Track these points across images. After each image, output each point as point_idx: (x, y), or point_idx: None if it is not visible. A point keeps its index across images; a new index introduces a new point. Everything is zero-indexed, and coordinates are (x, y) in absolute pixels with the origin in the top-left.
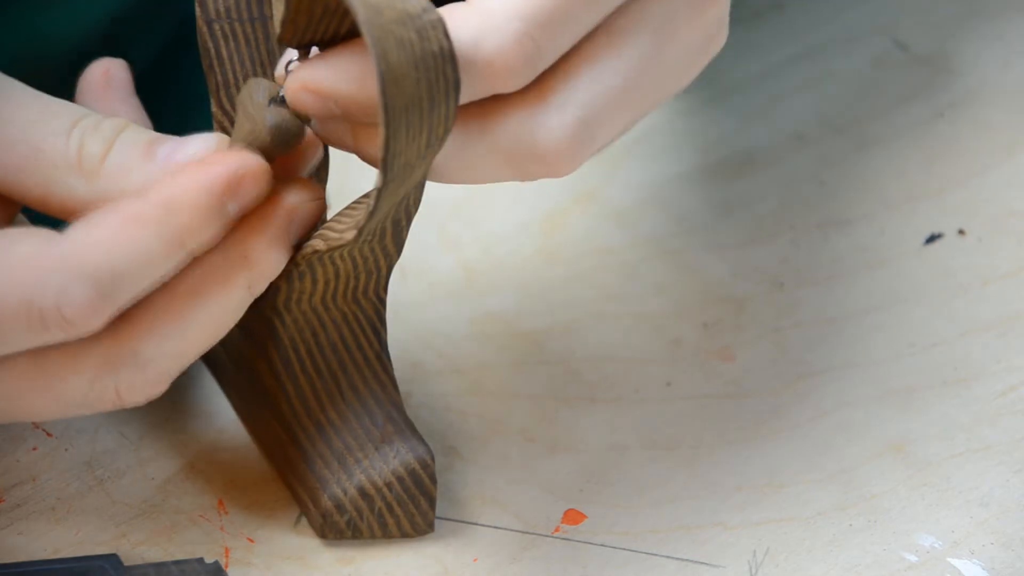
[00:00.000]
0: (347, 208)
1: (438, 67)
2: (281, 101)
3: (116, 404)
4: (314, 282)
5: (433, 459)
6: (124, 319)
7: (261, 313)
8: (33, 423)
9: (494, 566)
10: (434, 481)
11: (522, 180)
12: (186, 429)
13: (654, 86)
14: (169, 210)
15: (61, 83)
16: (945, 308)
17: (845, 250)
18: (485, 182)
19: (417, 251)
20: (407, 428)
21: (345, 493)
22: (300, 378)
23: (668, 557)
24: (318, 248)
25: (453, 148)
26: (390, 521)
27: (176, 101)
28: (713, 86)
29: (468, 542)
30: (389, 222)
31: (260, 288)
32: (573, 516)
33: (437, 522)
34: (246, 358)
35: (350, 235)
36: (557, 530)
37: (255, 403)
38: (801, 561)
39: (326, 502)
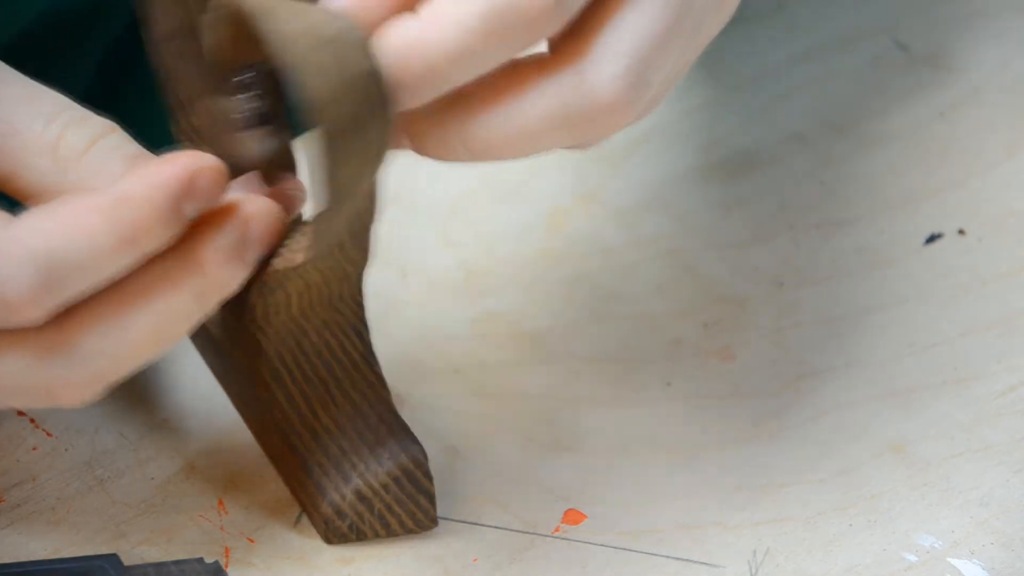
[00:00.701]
0: (305, 224)
1: (363, 88)
2: (248, 122)
3: (48, 400)
4: (287, 295)
5: (425, 456)
6: (67, 313)
7: (245, 329)
8: (33, 423)
9: (494, 566)
10: (429, 478)
11: (581, 144)
12: (186, 429)
13: (695, 21)
14: (123, 205)
15: None
16: (945, 308)
17: (845, 250)
18: (543, 152)
19: (417, 251)
20: (399, 428)
21: (344, 498)
22: (290, 387)
23: (668, 557)
24: (277, 267)
25: (503, 120)
26: (392, 521)
27: (136, 99)
28: (713, 86)
29: (468, 542)
30: (346, 235)
31: (212, 300)
32: (573, 516)
33: (438, 522)
34: (241, 371)
35: (299, 258)
36: (557, 530)
37: (256, 411)
38: (801, 561)
39: (326, 508)
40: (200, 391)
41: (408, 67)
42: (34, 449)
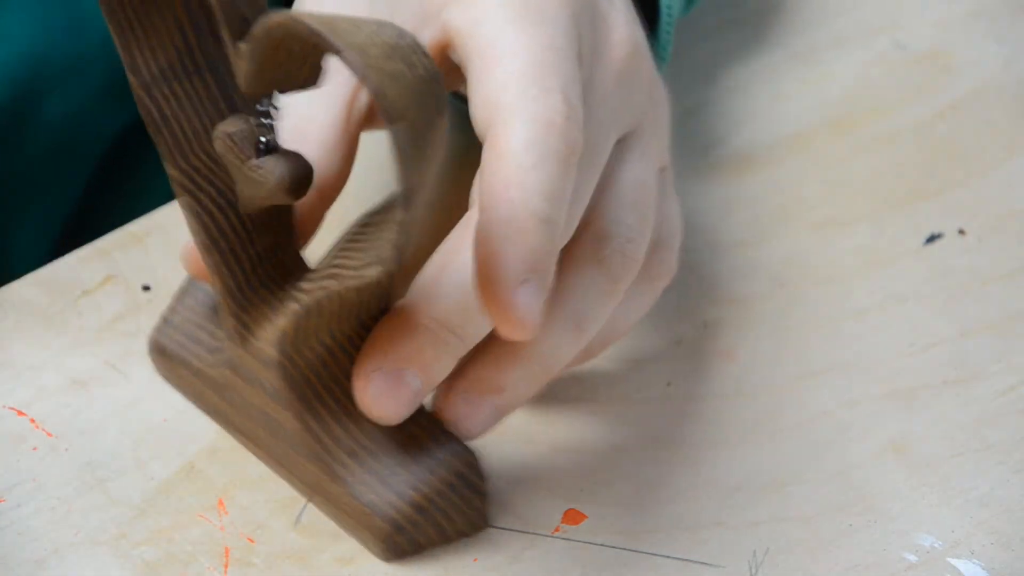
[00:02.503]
0: (350, 241)
1: (427, 89)
2: (268, 147)
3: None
4: (319, 316)
5: (476, 456)
6: None
7: (267, 362)
8: (33, 423)
9: (494, 566)
10: (482, 477)
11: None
12: (186, 429)
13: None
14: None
15: None
16: (945, 308)
17: (845, 250)
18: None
19: None
20: (440, 432)
21: (401, 513)
22: (321, 411)
23: (668, 557)
24: (330, 288)
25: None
26: (448, 527)
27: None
28: (713, 86)
29: (468, 542)
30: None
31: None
32: (573, 516)
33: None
34: (260, 410)
35: (373, 272)
36: (557, 530)
37: (283, 448)
38: (801, 561)
39: (383, 526)
40: None
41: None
42: (34, 449)
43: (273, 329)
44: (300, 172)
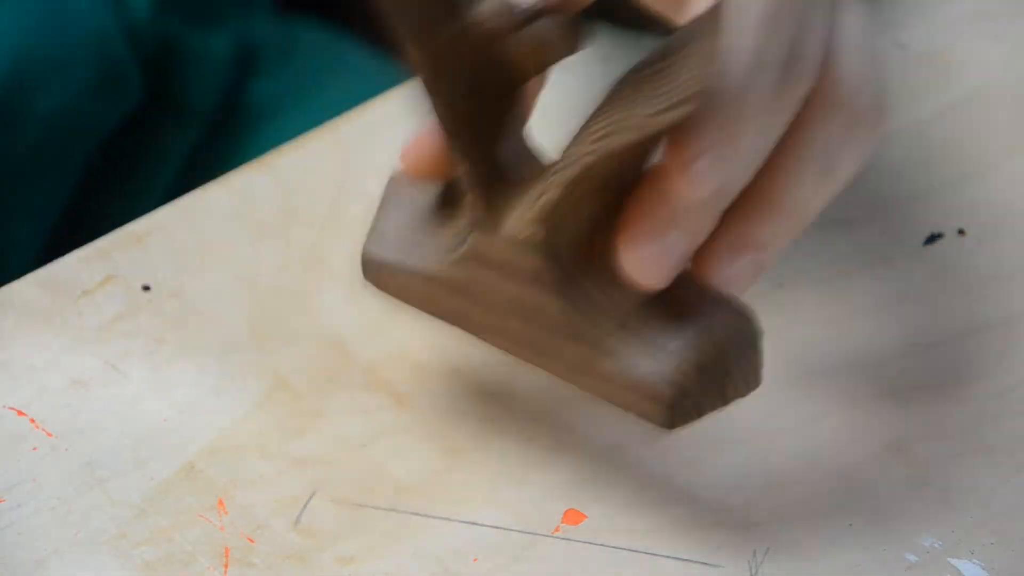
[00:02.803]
0: (610, 104)
1: None
2: (528, 13)
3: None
4: (589, 182)
5: (748, 312)
6: None
7: (527, 242)
8: (33, 423)
9: (494, 566)
10: (757, 332)
11: None
12: (186, 429)
13: None
14: None
15: None
16: (945, 308)
17: (845, 250)
18: None
19: None
20: (706, 291)
21: (684, 375)
22: (586, 286)
23: (668, 557)
24: (611, 145)
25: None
26: (728, 388)
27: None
28: None
29: (468, 542)
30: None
31: None
32: (573, 516)
33: (437, 522)
34: (513, 298)
35: (675, 114)
36: (557, 530)
37: (541, 337)
38: (801, 561)
39: (668, 392)
40: (200, 390)
41: None
42: (34, 449)
43: (534, 207)
44: (575, 22)
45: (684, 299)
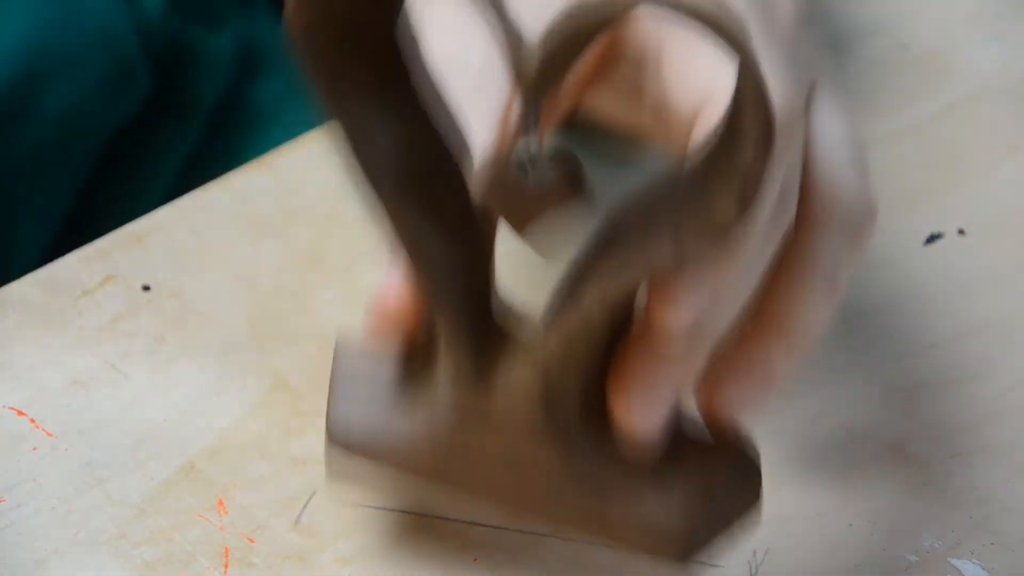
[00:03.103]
0: (607, 244)
1: None
2: (532, 159)
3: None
4: (587, 333)
5: (743, 432)
6: None
7: (525, 396)
8: (33, 423)
9: (494, 566)
10: (756, 452)
11: None
12: (186, 429)
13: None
14: None
15: None
16: (945, 308)
17: None
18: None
19: None
20: (699, 420)
21: (691, 513)
22: (587, 434)
23: None
24: (613, 292)
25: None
26: (733, 513)
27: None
28: None
29: (468, 542)
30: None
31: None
32: None
33: (438, 522)
34: (506, 453)
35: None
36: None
37: (537, 490)
38: (801, 561)
39: (680, 534)
40: (200, 390)
41: None
42: (34, 449)
43: (530, 360)
44: (577, 169)
45: (684, 433)
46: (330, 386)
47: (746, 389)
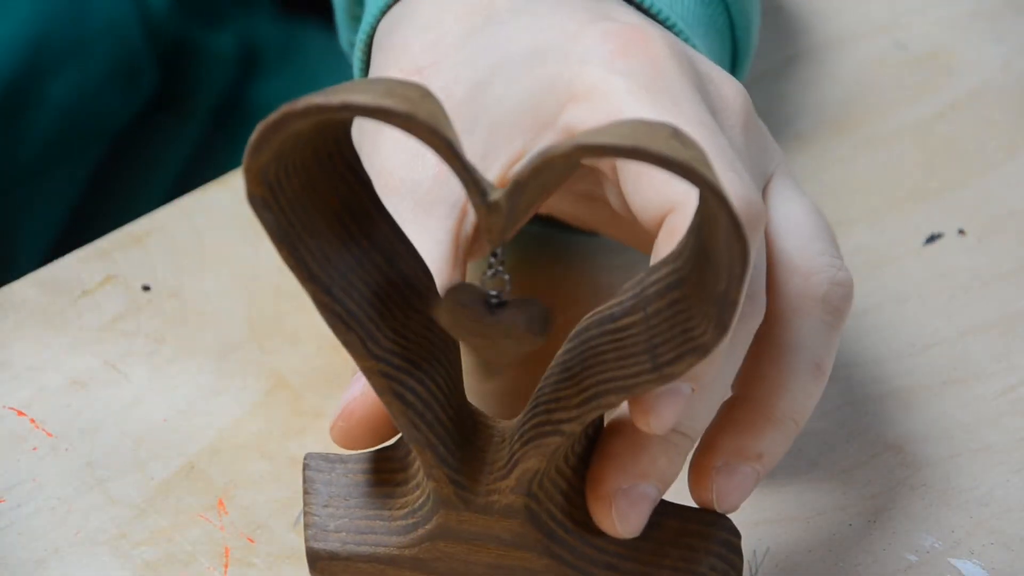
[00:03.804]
0: (593, 352)
1: None
2: (500, 299)
3: None
4: (567, 444)
5: (723, 516)
6: None
7: (506, 510)
8: (33, 423)
9: None
10: (737, 534)
11: None
12: (186, 429)
13: None
14: None
15: None
16: (945, 308)
17: (845, 250)
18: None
19: None
20: (682, 508)
21: None
22: (570, 539)
23: None
24: (601, 405)
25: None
26: None
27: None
28: None
29: None
30: None
31: None
32: None
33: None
34: (489, 565)
35: (682, 367)
36: None
37: None
38: (801, 561)
39: None
40: (199, 390)
41: None
42: (34, 449)
43: (511, 476)
44: (541, 312)
45: (664, 523)
46: (304, 498)
47: (734, 478)
